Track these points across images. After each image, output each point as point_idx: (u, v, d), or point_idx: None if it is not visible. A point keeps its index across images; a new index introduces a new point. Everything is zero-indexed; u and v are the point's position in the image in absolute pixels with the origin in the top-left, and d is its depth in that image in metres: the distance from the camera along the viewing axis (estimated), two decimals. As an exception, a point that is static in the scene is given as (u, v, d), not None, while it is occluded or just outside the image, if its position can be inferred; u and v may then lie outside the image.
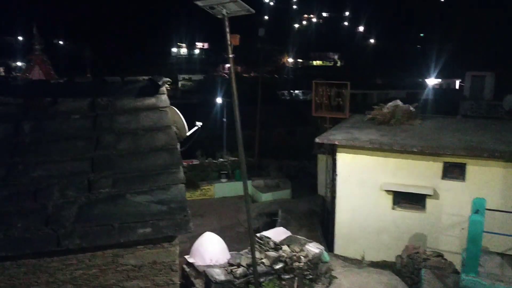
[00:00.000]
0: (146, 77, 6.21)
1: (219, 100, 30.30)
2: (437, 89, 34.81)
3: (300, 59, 71.15)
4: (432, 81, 37.59)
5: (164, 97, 5.97)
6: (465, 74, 23.65)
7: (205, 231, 10.28)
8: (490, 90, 21.82)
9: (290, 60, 68.99)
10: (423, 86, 35.85)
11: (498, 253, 8.69)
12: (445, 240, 11.14)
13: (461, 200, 10.65)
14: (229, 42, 7.39)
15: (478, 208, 7.89)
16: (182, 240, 10.58)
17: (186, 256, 9.92)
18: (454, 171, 11.08)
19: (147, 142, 5.35)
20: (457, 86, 35.51)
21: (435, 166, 11.19)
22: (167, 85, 6.34)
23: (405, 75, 41.22)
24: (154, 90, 5.98)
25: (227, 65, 8.33)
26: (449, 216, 11.07)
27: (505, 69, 24.84)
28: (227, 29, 7.00)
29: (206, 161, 21.04)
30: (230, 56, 7.44)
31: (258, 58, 30.43)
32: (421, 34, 63.18)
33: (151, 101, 5.88)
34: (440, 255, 9.97)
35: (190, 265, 9.65)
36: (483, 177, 10.76)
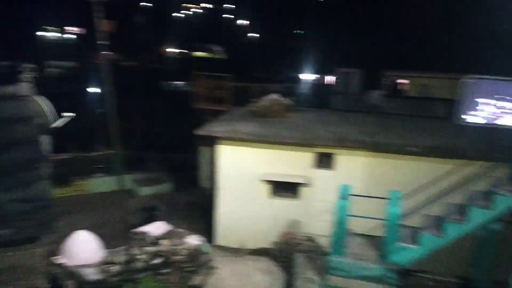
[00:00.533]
0: (4, 63, 5.57)
1: (95, 89, 28.56)
2: (311, 84, 37.06)
3: (183, 49, 70.26)
4: (307, 76, 39.92)
5: (26, 85, 5.41)
6: (335, 70, 25.56)
7: (78, 230, 9.64)
8: (356, 85, 23.91)
9: (173, 50, 67.76)
10: (299, 80, 37.90)
11: (361, 235, 9.57)
12: (317, 225, 11.93)
13: (330, 187, 11.47)
14: (101, 28, 6.97)
15: (344, 194, 8.60)
16: (51, 241, 9.80)
17: (56, 257, 9.21)
18: (324, 161, 11.90)
19: (5, 134, 4.81)
20: (329, 82, 38.16)
21: (309, 156, 11.90)
22: (31, 72, 5.76)
23: (282, 69, 43.11)
24: (13, 77, 5.40)
25: (104, 52, 7.89)
26: (320, 203, 11.87)
27: (369, 67, 27.38)
28: (98, 14, 6.59)
29: (80, 154, 19.69)
30: (102, 42, 7.02)
31: (138, 47, 29.34)
32: (299, 31, 66.59)
33: (9, 89, 5.28)
34: (312, 239, 10.67)
35: (61, 266, 8.98)
36: (349, 166, 11.72)
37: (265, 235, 12.08)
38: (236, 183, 12.26)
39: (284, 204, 12.15)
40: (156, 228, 10.38)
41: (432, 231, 8.37)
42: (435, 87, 27.36)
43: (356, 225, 9.88)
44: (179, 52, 70.05)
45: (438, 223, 8.55)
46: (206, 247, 9.90)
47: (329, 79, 38.18)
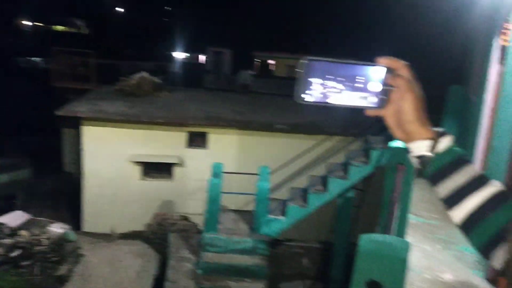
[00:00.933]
0: None
1: None
2: (183, 63, 36.60)
3: (39, 22, 63.68)
4: (179, 55, 39.29)
5: None
6: (207, 50, 25.59)
7: None
8: (228, 65, 24.26)
9: (27, 23, 60.99)
10: (171, 59, 37.14)
11: (234, 210, 9.87)
12: (192, 204, 11.97)
13: (204, 166, 11.56)
14: None
15: (216, 172, 8.74)
16: None
17: None
18: (197, 140, 11.93)
19: None
20: (201, 61, 38.07)
21: (181, 136, 11.80)
22: None
23: (154, 48, 41.78)
24: None
25: None
26: (194, 182, 11.91)
27: (240, 47, 27.96)
28: None
29: None
30: None
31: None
32: (169, 8, 64.87)
33: None
34: (186, 218, 10.70)
35: None
36: (222, 144, 11.93)
37: (137, 217, 11.75)
38: (104, 166, 11.66)
39: (156, 185, 11.92)
40: (14, 218, 9.44)
41: (297, 202, 8.97)
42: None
43: (230, 202, 10.15)
44: (36, 25, 63.39)
45: (302, 194, 9.19)
46: (72, 235, 9.30)
47: (201, 58, 38.10)
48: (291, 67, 29.51)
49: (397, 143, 4.08)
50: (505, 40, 4.41)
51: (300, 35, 36.62)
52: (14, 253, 8.14)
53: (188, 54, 43.51)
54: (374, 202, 10.15)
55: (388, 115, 0.94)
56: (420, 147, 0.93)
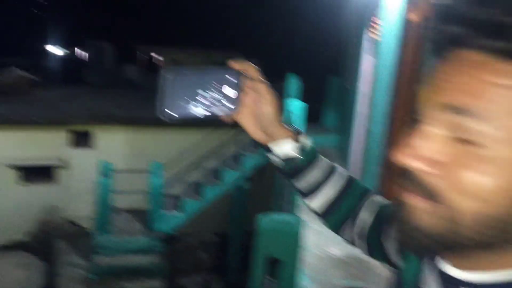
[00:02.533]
0: None
1: None
2: (60, 58, 34.12)
3: None
4: (55, 50, 36.48)
5: None
6: (86, 43, 24.17)
7: None
8: (110, 60, 23.17)
9: None
10: (47, 54, 34.35)
11: (126, 210, 9.54)
12: (79, 207, 11.26)
13: (90, 166, 10.95)
14: None
15: (105, 171, 8.37)
16: None
17: None
18: (81, 139, 11.25)
19: None
20: (80, 56, 35.86)
21: (62, 136, 11.03)
22: None
23: (26, 41, 38.24)
24: None
25: None
26: (81, 183, 11.21)
27: (122, 41, 26.88)
28: None
29: None
30: None
31: None
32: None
33: None
34: (73, 223, 10.07)
35: None
36: (109, 142, 11.39)
37: (17, 226, 10.73)
38: (-27, 173, 10.44)
39: (37, 190, 11.00)
40: None
41: (192, 196, 8.98)
42: (185, 62, 28.94)
43: (123, 202, 9.77)
44: None
45: (197, 188, 9.22)
46: None
47: (80, 53, 35.91)
48: (176, 61, 29.19)
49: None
50: (374, 34, 4.88)
51: (185, 28, 36.31)
52: None
53: (65, 49, 40.65)
54: (267, 191, 10.58)
55: (242, 118, 0.95)
56: (283, 147, 0.96)
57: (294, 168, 0.97)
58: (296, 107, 6.12)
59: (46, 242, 9.52)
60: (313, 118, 8.77)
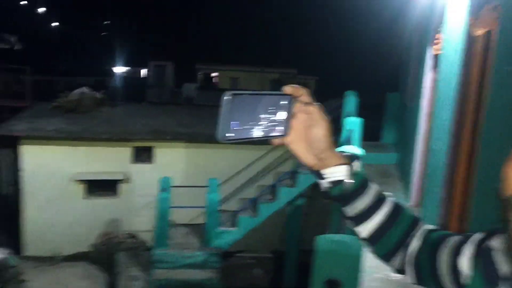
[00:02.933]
0: None
1: None
2: (124, 77, 35.80)
3: (-34, 38, 60.04)
4: (119, 69, 38.38)
5: None
6: (149, 63, 25.24)
7: None
8: (170, 78, 24.04)
9: (-47, 38, 57.37)
10: (111, 73, 36.20)
11: (184, 224, 9.74)
12: (139, 221, 11.66)
13: (150, 181, 11.33)
14: None
15: (164, 186, 8.61)
16: None
17: None
18: (143, 155, 11.69)
19: None
20: (143, 75, 37.44)
21: (125, 151, 11.52)
22: None
23: (93, 62, 40.57)
24: None
25: None
26: (141, 198, 11.63)
27: (182, 60, 27.81)
28: None
29: None
30: None
31: None
32: (106, 22, 63.40)
33: None
34: (133, 236, 10.40)
35: None
36: (168, 158, 11.76)
37: (82, 238, 11.27)
38: (44, 186, 11.12)
39: (100, 203, 11.52)
40: None
41: (248, 213, 9.02)
42: (243, 79, 29.38)
43: (180, 216, 10.01)
44: (-38, 40, 59.72)
45: (252, 204, 9.25)
46: (13, 260, 8.77)
47: (143, 72, 37.48)
48: (234, 79, 29.71)
49: (345, 149, 4.24)
50: (436, 49, 4.72)
51: (242, 46, 37.02)
52: None
53: (129, 68, 42.65)
54: (324, 208, 10.41)
55: (293, 142, 0.95)
56: (335, 173, 0.94)
57: (344, 194, 0.95)
58: (354, 124, 6.01)
59: (108, 254, 9.89)
60: (372, 136, 8.57)
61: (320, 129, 0.91)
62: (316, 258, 3.03)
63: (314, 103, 0.93)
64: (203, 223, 9.01)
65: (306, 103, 0.92)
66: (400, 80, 8.60)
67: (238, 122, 0.87)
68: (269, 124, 0.90)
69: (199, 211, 10.05)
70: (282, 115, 0.92)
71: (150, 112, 14.66)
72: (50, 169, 11.10)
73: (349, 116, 6.86)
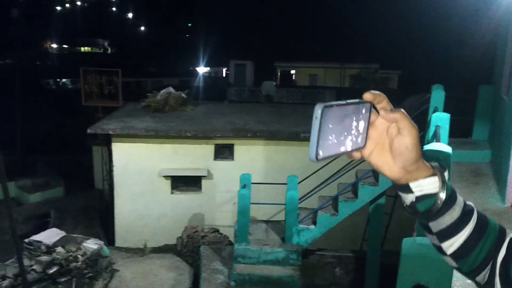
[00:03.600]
0: None
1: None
2: (206, 77, 37.00)
3: (66, 44, 65.65)
4: (202, 69, 39.80)
5: None
6: (229, 63, 25.86)
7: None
8: (250, 77, 24.45)
9: (54, 45, 62.99)
10: (194, 74, 37.65)
11: (264, 221, 9.84)
12: (220, 216, 12.03)
13: (231, 177, 11.63)
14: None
15: (245, 183, 8.76)
16: None
17: None
18: (224, 152, 12.01)
19: None
20: (223, 74, 38.43)
21: (208, 149, 11.91)
22: None
23: (177, 63, 42.44)
24: None
25: None
26: (222, 194, 11.97)
27: (261, 58, 28.11)
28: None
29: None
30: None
31: (15, 43, 26.79)
32: (189, 24, 65.94)
33: None
34: (216, 231, 10.73)
35: None
36: (248, 155, 11.97)
37: (168, 231, 11.86)
38: (134, 181, 11.84)
39: (185, 198, 12.03)
40: (50, 235, 9.65)
41: (328, 211, 8.89)
42: (322, 76, 28.98)
43: (259, 212, 10.15)
44: (63, 47, 65.36)
45: (332, 203, 9.11)
46: (106, 250, 9.45)
47: (224, 71, 38.43)
48: (313, 76, 29.42)
49: (432, 146, 4.02)
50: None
51: (320, 43, 36.56)
52: (52, 270, 8.31)
53: (210, 68, 44.00)
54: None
55: (372, 154, 0.86)
56: (427, 186, 0.85)
57: (432, 209, 0.87)
58: (442, 120, 5.68)
59: (192, 247, 10.30)
60: (461, 132, 8.05)
61: (408, 137, 0.82)
62: (402, 262, 2.89)
63: (398, 109, 0.83)
64: (283, 220, 9.05)
65: (389, 110, 0.83)
66: (494, 72, 7.97)
67: (329, 138, 0.79)
68: (353, 136, 0.83)
69: (279, 208, 10.11)
70: (361, 125, 0.83)
71: (230, 110, 15.02)
72: (139, 165, 11.79)
73: (436, 111, 6.50)
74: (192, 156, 11.89)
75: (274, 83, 24.21)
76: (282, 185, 9.10)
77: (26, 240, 9.37)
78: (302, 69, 29.82)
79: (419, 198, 0.87)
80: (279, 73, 30.53)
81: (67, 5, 75.74)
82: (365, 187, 8.63)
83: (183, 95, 14.37)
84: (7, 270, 7.90)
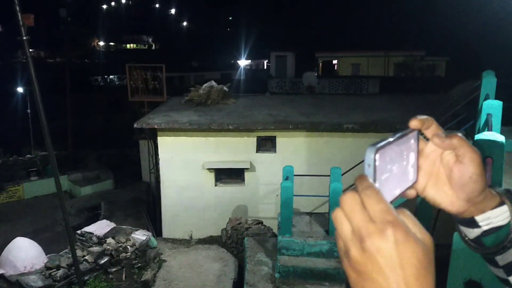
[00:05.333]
0: None
1: (19, 89, 26.83)
2: (248, 70, 37.11)
3: (112, 42, 67.72)
4: (243, 62, 39.94)
5: None
6: (270, 55, 25.79)
7: (16, 237, 9.15)
8: (291, 68, 24.28)
9: (101, 43, 65.10)
10: (236, 67, 37.85)
11: (307, 213, 9.80)
12: (264, 208, 12.09)
13: (274, 169, 11.65)
14: (21, 23, 6.58)
15: (288, 175, 8.73)
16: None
17: (-5, 269, 8.69)
18: (266, 144, 12.03)
19: None
20: (264, 66, 38.40)
21: (250, 141, 11.96)
22: None
23: (218, 57, 42.81)
24: None
25: (31, 50, 7.39)
26: (265, 186, 12.01)
27: (302, 49, 27.83)
28: (18, 8, 6.15)
29: (11, 159, 18.57)
30: (24, 38, 6.65)
31: (64, 41, 27.90)
32: (230, 18, 66.27)
33: None
34: (260, 222, 10.79)
35: (2, 277, 8.49)
36: (290, 147, 11.93)
37: (212, 223, 12.06)
38: (179, 174, 12.10)
39: (229, 191, 12.17)
40: (100, 227, 10.05)
41: (373, 203, 8.73)
42: (365, 65, 28.33)
43: (302, 204, 10.11)
44: (109, 44, 67.45)
45: (378, 194, 8.92)
46: (154, 241, 9.72)
47: (265, 63, 38.40)
48: (355, 65, 28.84)
49: (483, 135, 3.84)
50: None
51: (362, 31, 35.75)
52: (103, 260, 8.66)
53: (251, 61, 44.09)
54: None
55: (426, 188, 0.75)
56: (496, 218, 0.76)
57: (501, 242, 0.77)
58: (494, 107, 5.42)
59: (237, 238, 10.42)
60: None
61: (471, 166, 0.71)
62: (454, 257, 2.78)
63: (454, 134, 0.73)
64: (326, 212, 8.97)
65: (444, 136, 0.72)
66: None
67: (385, 185, 0.66)
68: (405, 174, 0.71)
69: (323, 199, 10.03)
70: (412, 157, 0.71)
71: (272, 102, 15.00)
72: (184, 158, 12.03)
73: (487, 98, 6.21)
74: (234, 149, 11.99)
75: (316, 74, 23.93)
76: (325, 177, 9.01)
77: (79, 232, 9.80)
78: (344, 58, 29.28)
79: (486, 232, 0.78)
80: (320, 64, 30.13)
81: (112, 3, 77.94)
82: (411, 178, 8.40)
83: (225, 88, 14.48)
84: (61, 261, 8.29)
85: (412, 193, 0.73)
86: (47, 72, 32.13)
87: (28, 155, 19.08)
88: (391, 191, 0.68)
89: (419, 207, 9.04)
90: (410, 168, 0.72)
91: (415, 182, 0.73)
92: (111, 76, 46.64)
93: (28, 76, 6.90)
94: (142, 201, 15.24)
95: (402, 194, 0.71)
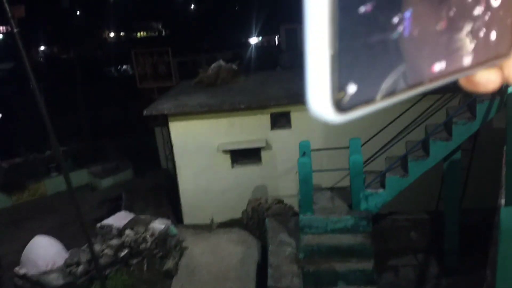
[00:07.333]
0: None
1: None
2: (259, 46, 36.42)
3: (122, 32, 67.50)
4: (254, 40, 39.18)
5: None
6: (280, 28, 25.04)
7: (36, 235, 9.08)
8: (301, 40, 23.56)
9: (112, 34, 64.94)
10: (247, 45, 37.14)
11: (328, 188, 9.40)
12: (283, 186, 11.72)
13: (290, 146, 11.21)
14: (9, 15, 6.30)
15: (304, 150, 8.32)
16: (7, 252, 9.10)
17: (16, 268, 8.65)
18: (281, 120, 11.60)
19: None
20: (276, 42, 37.63)
21: (264, 119, 11.55)
22: None
23: (229, 37, 42.11)
24: None
25: (41, 48, 7.09)
26: (283, 163, 11.62)
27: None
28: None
29: (31, 156, 18.65)
30: (15, 31, 6.38)
31: (74, 34, 27.79)
32: (238, -5, 65.03)
33: None
34: (280, 201, 10.46)
35: (23, 277, 8.43)
36: (306, 122, 11.45)
37: (232, 205, 11.77)
38: (194, 159, 11.81)
39: (246, 171, 11.83)
40: (119, 218, 9.89)
41: (397, 172, 8.27)
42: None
43: (322, 180, 9.71)
44: (120, 35, 67.26)
45: (401, 163, 8.46)
46: (174, 229, 9.52)
47: (277, 38, 37.61)
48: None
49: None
50: None
51: None
52: (123, 253, 8.51)
53: (261, 38, 43.26)
54: (485, 162, 9.08)
55: None
56: None
57: None
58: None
59: (257, 220, 10.13)
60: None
61: None
62: (503, 234, 2.36)
63: None
64: (348, 186, 8.56)
65: None
66: None
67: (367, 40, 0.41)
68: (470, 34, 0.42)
69: (343, 173, 9.58)
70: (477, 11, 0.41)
71: (284, 76, 14.49)
72: (197, 142, 11.71)
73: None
74: (249, 128, 11.60)
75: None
76: (344, 149, 8.57)
77: (99, 225, 9.66)
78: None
79: None
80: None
81: (119, -8, 77.33)
82: (437, 143, 7.88)
83: (234, 66, 14.03)
84: (81, 256, 8.17)
85: (489, 79, 0.39)
86: (59, 67, 32.18)
87: (48, 151, 19.13)
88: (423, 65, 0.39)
89: (446, 173, 8.53)
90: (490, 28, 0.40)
91: (504, 58, 0.40)
92: (124, 66, 46.55)
93: (48, 75, 6.64)
94: (162, 188, 15.08)
95: (468, 80, 0.42)
